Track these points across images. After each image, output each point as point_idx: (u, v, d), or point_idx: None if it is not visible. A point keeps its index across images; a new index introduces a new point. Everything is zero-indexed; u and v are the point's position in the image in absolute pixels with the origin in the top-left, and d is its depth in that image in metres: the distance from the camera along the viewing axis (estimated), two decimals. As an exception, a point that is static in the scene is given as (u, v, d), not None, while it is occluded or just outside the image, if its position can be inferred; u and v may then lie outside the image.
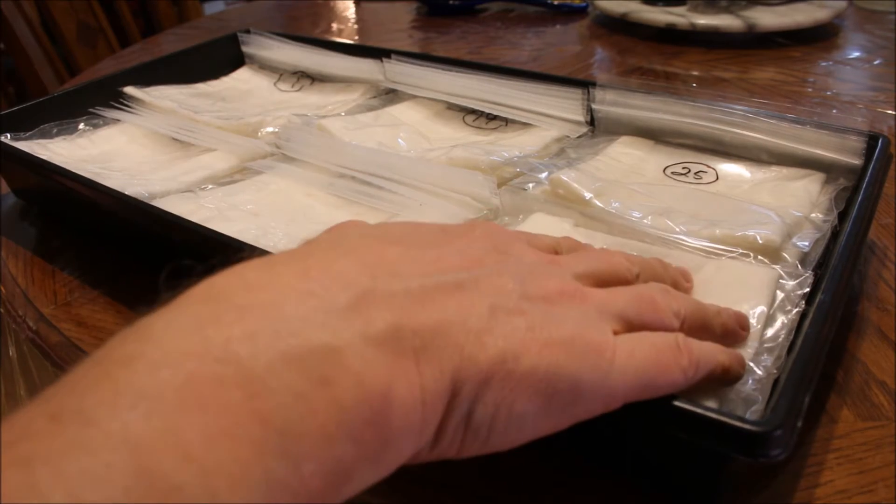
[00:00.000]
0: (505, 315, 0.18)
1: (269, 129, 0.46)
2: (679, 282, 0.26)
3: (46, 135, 0.46)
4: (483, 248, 0.20)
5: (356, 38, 0.85)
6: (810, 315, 0.25)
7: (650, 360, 0.20)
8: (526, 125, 0.46)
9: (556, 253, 0.24)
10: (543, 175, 0.37)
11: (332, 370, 0.15)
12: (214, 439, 0.13)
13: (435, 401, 0.17)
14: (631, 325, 0.21)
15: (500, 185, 0.38)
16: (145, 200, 0.36)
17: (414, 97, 0.50)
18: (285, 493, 0.14)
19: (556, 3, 0.87)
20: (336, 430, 0.15)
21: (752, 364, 0.24)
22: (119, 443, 0.13)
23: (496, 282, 0.19)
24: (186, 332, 0.15)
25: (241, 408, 0.14)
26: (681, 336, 0.21)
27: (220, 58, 0.59)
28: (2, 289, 0.39)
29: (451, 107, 0.49)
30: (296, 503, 0.14)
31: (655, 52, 0.71)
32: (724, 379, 0.22)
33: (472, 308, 0.18)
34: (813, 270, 0.29)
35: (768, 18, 0.70)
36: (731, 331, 0.24)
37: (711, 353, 0.22)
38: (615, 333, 0.20)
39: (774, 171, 0.38)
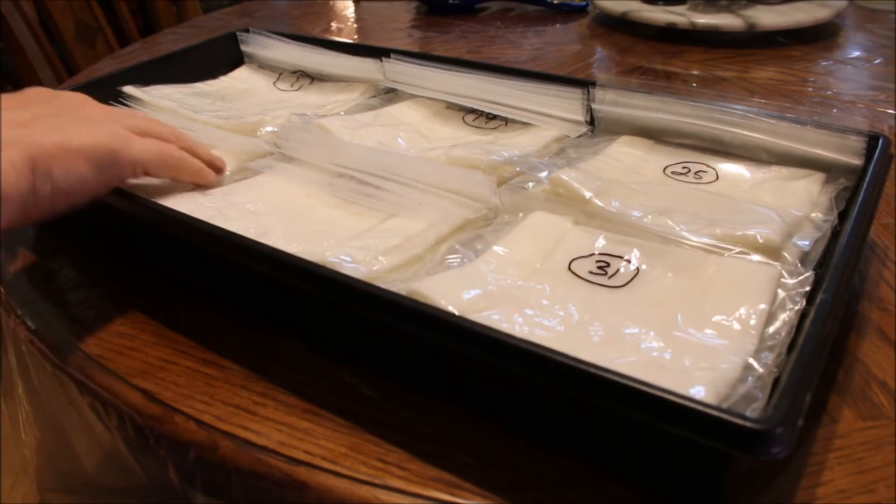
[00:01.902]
0: (59, 124, 0.31)
1: (269, 129, 0.46)
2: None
3: (45, 134, 0.45)
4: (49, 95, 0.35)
5: (356, 37, 0.85)
6: (811, 314, 0.25)
7: (154, 147, 0.35)
8: (526, 125, 0.46)
9: None
10: (543, 174, 0.37)
11: None
12: None
13: (22, 168, 0.28)
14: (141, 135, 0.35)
15: (499, 185, 0.38)
16: (145, 200, 0.36)
17: (413, 97, 0.50)
18: None
19: (555, 2, 0.87)
20: None
21: (752, 361, 0.24)
22: None
23: (49, 110, 0.33)
24: None
25: None
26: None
27: (220, 57, 0.58)
28: (1, 289, 0.39)
29: (451, 106, 0.49)
30: None
31: (655, 52, 0.71)
32: (197, 174, 0.38)
33: (36, 121, 0.31)
34: (813, 270, 0.29)
35: (769, 17, 0.70)
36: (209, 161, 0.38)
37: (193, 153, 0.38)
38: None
39: (774, 171, 0.38)
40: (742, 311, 0.27)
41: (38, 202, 0.29)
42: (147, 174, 0.35)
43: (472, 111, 0.48)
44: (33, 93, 0.34)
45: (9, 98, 0.32)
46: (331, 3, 1.00)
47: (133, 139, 0.33)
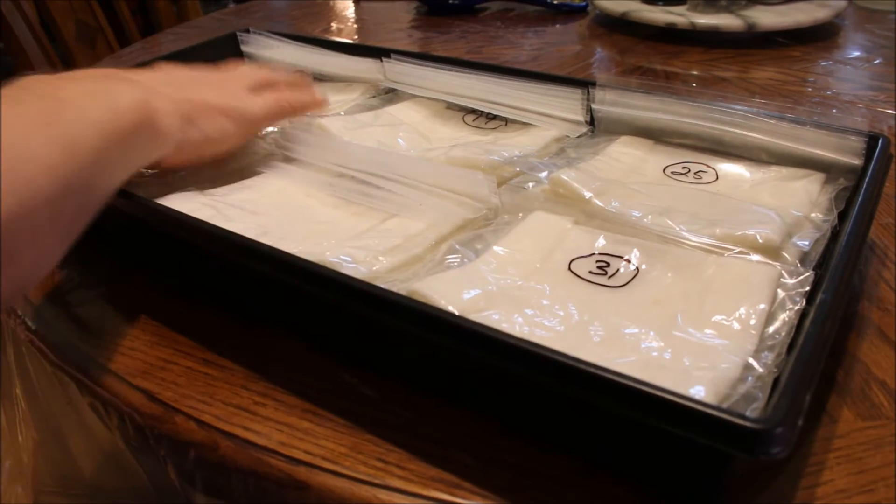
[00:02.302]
0: (201, 87, 0.39)
1: (269, 129, 0.46)
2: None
3: (46, 134, 0.45)
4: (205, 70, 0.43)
5: (356, 37, 0.85)
6: (811, 314, 0.25)
7: (269, 98, 0.42)
8: (525, 125, 0.46)
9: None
10: (543, 174, 0.37)
11: (127, 91, 0.32)
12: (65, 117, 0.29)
13: (173, 114, 0.35)
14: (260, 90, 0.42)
15: (499, 185, 0.38)
16: (145, 200, 0.36)
17: (413, 97, 0.50)
18: (108, 131, 0.30)
19: (555, 2, 0.87)
20: (131, 107, 0.31)
21: (752, 361, 0.24)
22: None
23: (196, 77, 0.41)
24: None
25: (95, 94, 0.31)
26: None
27: (220, 57, 0.58)
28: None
29: (451, 106, 0.49)
30: (115, 138, 0.30)
31: (655, 52, 0.71)
32: (311, 106, 0.45)
33: (185, 84, 0.39)
34: (813, 270, 0.29)
35: (768, 18, 0.70)
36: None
37: (299, 98, 0.44)
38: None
39: (774, 171, 0.38)
40: (742, 310, 0.27)
41: (189, 146, 0.36)
42: (271, 124, 0.44)
43: (472, 111, 0.48)
44: (169, 65, 0.42)
45: (154, 69, 0.40)
46: (331, 3, 1.00)
47: (253, 100, 0.40)
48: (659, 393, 0.21)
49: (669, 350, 0.25)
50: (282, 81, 0.44)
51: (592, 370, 0.22)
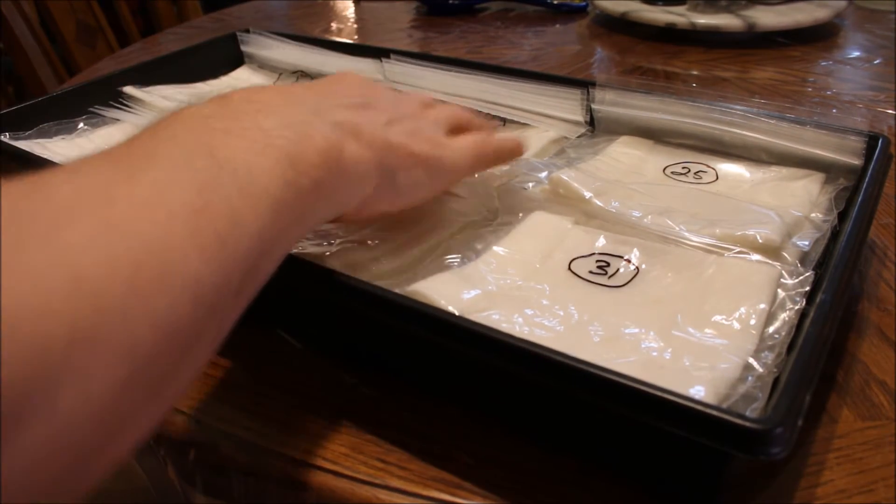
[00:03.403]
0: (397, 123, 0.29)
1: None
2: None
3: (46, 134, 0.46)
4: (374, 87, 0.33)
5: (356, 37, 0.85)
6: (811, 314, 0.25)
7: (470, 145, 0.32)
8: (525, 125, 0.46)
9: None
10: (543, 175, 0.37)
11: (311, 131, 0.24)
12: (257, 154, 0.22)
13: (367, 163, 0.26)
14: (456, 131, 0.33)
15: (499, 185, 0.38)
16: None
17: (414, 97, 0.50)
18: (291, 192, 0.22)
19: (555, 2, 0.87)
20: (318, 163, 0.24)
21: (752, 361, 0.24)
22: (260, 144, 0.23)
23: (386, 105, 0.31)
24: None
25: (267, 145, 0.23)
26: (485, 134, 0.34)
27: (220, 57, 0.59)
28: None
29: (451, 106, 0.49)
30: (297, 200, 0.23)
31: (655, 52, 0.71)
32: (512, 154, 0.35)
33: (378, 117, 0.29)
34: (813, 270, 0.29)
35: (768, 18, 0.70)
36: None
37: (498, 142, 0.35)
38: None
39: (774, 171, 0.38)
40: (742, 310, 0.27)
41: (376, 203, 0.28)
42: (467, 175, 0.35)
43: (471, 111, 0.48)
44: (360, 81, 0.33)
45: (344, 85, 0.31)
46: (331, 3, 1.00)
47: (453, 147, 0.32)
48: (659, 393, 0.21)
49: (669, 350, 0.25)
50: (477, 122, 0.35)
51: (592, 370, 0.22)
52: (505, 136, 0.38)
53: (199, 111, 0.23)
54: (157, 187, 0.19)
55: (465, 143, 0.32)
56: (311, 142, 0.24)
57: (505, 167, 0.37)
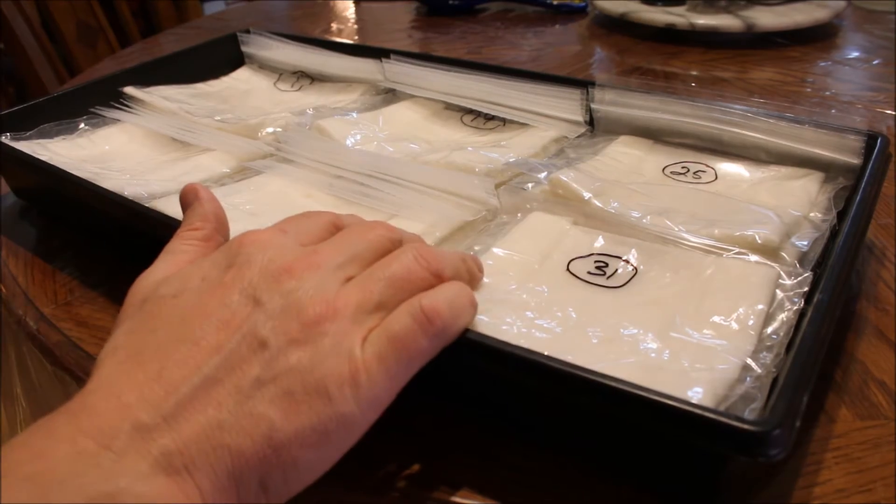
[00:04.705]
0: (255, 398, 0.20)
1: (269, 130, 0.46)
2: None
3: (46, 135, 0.46)
4: (238, 302, 0.22)
5: (356, 38, 0.85)
6: (809, 314, 0.25)
7: (395, 352, 0.22)
8: (524, 125, 0.46)
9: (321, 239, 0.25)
10: (542, 175, 0.37)
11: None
12: None
13: (222, 500, 0.19)
14: (388, 310, 0.23)
15: (498, 186, 0.38)
16: (145, 201, 0.36)
17: (412, 97, 0.50)
18: None
19: (555, 3, 0.87)
20: None
21: (751, 362, 0.24)
22: None
23: (241, 362, 0.20)
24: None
25: None
26: (423, 299, 0.23)
27: (220, 58, 0.59)
28: (2, 288, 0.39)
29: (450, 107, 0.49)
30: None
31: (655, 52, 0.71)
32: (471, 308, 0.24)
33: (222, 404, 0.20)
34: (812, 270, 0.29)
35: (767, 18, 0.70)
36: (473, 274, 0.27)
37: (453, 296, 0.24)
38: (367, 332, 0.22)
39: (773, 171, 0.38)
40: (740, 311, 0.27)
41: None
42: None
43: (471, 112, 0.48)
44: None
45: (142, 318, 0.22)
46: (331, 3, 1.00)
47: (365, 359, 0.21)
48: (658, 398, 0.21)
49: (668, 351, 0.25)
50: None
51: (592, 377, 0.22)
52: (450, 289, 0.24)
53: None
54: None
55: (384, 344, 0.22)
56: None
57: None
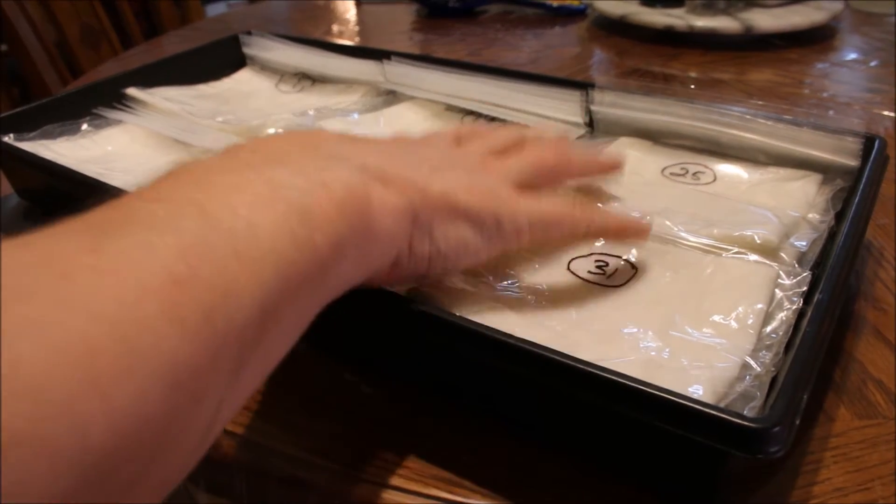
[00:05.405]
0: (442, 171, 0.25)
1: (271, 131, 0.47)
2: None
3: (49, 135, 0.46)
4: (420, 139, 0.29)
5: (357, 39, 0.85)
6: (808, 314, 0.25)
7: (546, 211, 0.27)
8: (524, 126, 0.46)
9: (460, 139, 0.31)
10: (543, 176, 0.38)
11: (327, 177, 0.21)
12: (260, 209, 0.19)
13: (400, 213, 0.23)
14: (528, 186, 0.28)
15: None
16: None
17: (413, 98, 0.51)
18: (303, 250, 0.19)
19: (555, 5, 0.87)
20: (335, 215, 0.20)
21: (750, 360, 0.25)
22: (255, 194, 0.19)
23: (433, 153, 0.27)
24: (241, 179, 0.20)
25: (273, 198, 0.19)
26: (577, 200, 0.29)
27: (222, 59, 0.59)
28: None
29: (450, 108, 0.49)
30: (311, 259, 0.19)
31: (654, 54, 0.72)
32: (620, 236, 0.30)
33: (420, 165, 0.25)
34: (810, 270, 0.29)
35: (765, 20, 0.71)
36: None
37: (602, 215, 0.29)
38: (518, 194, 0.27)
39: (772, 172, 0.39)
40: (740, 310, 0.27)
41: (416, 259, 0.24)
42: (543, 238, 0.27)
43: (471, 113, 0.48)
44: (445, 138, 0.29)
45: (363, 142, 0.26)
46: (332, 5, 1.00)
47: (517, 206, 0.26)
48: (657, 393, 0.21)
49: (668, 349, 0.26)
50: (578, 168, 0.31)
51: (591, 370, 0.22)
52: (611, 216, 0.29)
53: (201, 164, 0.20)
54: (127, 256, 0.16)
55: (537, 207, 0.26)
56: (326, 191, 0.20)
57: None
